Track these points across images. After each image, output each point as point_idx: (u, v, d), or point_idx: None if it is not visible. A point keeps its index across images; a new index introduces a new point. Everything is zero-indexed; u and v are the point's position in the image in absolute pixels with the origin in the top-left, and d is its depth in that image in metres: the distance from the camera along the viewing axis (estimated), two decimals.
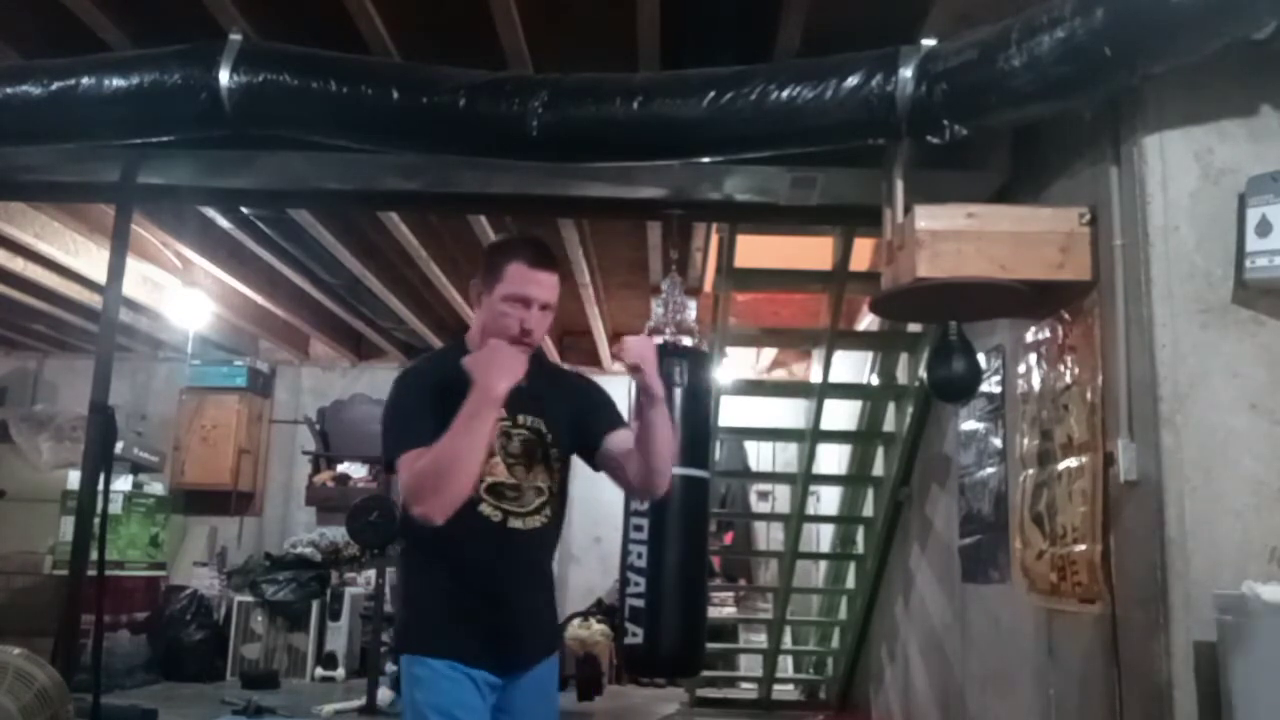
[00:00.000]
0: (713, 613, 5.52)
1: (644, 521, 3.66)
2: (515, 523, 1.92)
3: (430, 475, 1.73)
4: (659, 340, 3.79)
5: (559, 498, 2.02)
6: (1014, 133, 3.27)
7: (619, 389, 2.11)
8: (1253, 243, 2.38)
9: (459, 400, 1.77)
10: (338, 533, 6.95)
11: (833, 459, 6.00)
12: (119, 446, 5.71)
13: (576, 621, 6.57)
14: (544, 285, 1.94)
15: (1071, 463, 2.82)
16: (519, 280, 1.92)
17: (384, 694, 5.57)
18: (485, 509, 1.88)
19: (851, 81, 2.64)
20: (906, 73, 2.60)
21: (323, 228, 4.88)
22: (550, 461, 1.99)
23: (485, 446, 1.78)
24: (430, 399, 1.84)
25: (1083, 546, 2.73)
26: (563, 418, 2.01)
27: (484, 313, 1.96)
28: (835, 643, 5.85)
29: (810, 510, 5.99)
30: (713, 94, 2.73)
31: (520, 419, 1.95)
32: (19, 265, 5.73)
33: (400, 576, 2.10)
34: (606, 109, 2.80)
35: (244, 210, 4.76)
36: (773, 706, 5.84)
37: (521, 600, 1.95)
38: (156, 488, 7.19)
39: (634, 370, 1.84)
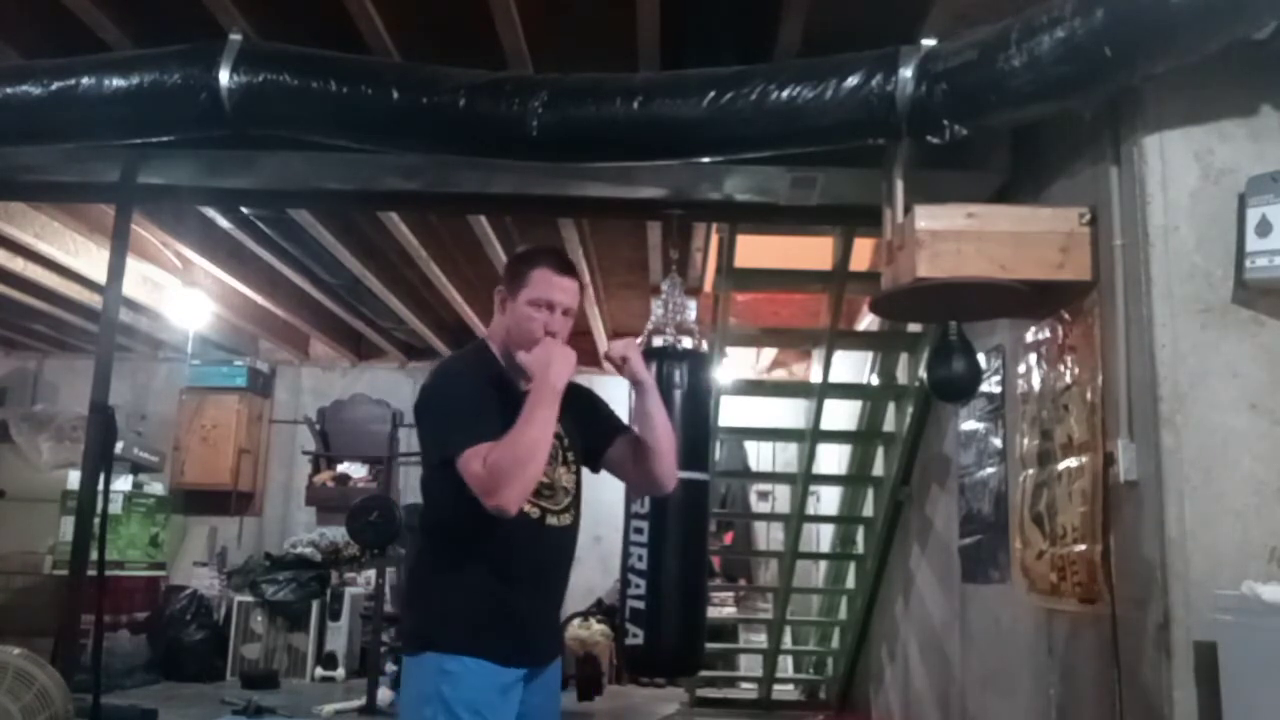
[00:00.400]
0: (713, 613, 5.52)
1: (644, 525, 3.66)
2: (551, 520, 1.98)
3: (507, 466, 1.79)
4: (659, 341, 3.79)
5: (579, 498, 2.08)
6: (1014, 133, 3.27)
7: (619, 391, 2.15)
8: (1253, 243, 2.38)
9: (505, 397, 1.92)
10: (338, 533, 6.95)
11: (833, 459, 6.00)
12: (119, 446, 5.71)
13: (576, 621, 6.56)
14: (567, 290, 2.03)
15: (1071, 463, 2.82)
16: (543, 285, 2.01)
17: (384, 694, 5.57)
18: (526, 505, 1.92)
19: (851, 81, 2.64)
20: (906, 73, 2.59)
21: (323, 228, 4.88)
22: (570, 463, 2.07)
23: (551, 438, 1.89)
24: (484, 397, 1.93)
25: (1083, 546, 2.73)
26: (574, 422, 2.07)
27: (508, 317, 2.05)
28: (835, 643, 5.85)
29: (810, 510, 5.99)
30: (713, 94, 2.73)
31: None
32: (19, 265, 5.73)
33: (420, 574, 2.10)
34: (606, 109, 2.80)
35: (244, 210, 4.77)
36: (773, 706, 5.84)
37: (546, 598, 2.04)
38: (156, 488, 7.19)
39: (622, 363, 2.01)
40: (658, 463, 2.06)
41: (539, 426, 1.84)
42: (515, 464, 1.79)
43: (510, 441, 1.81)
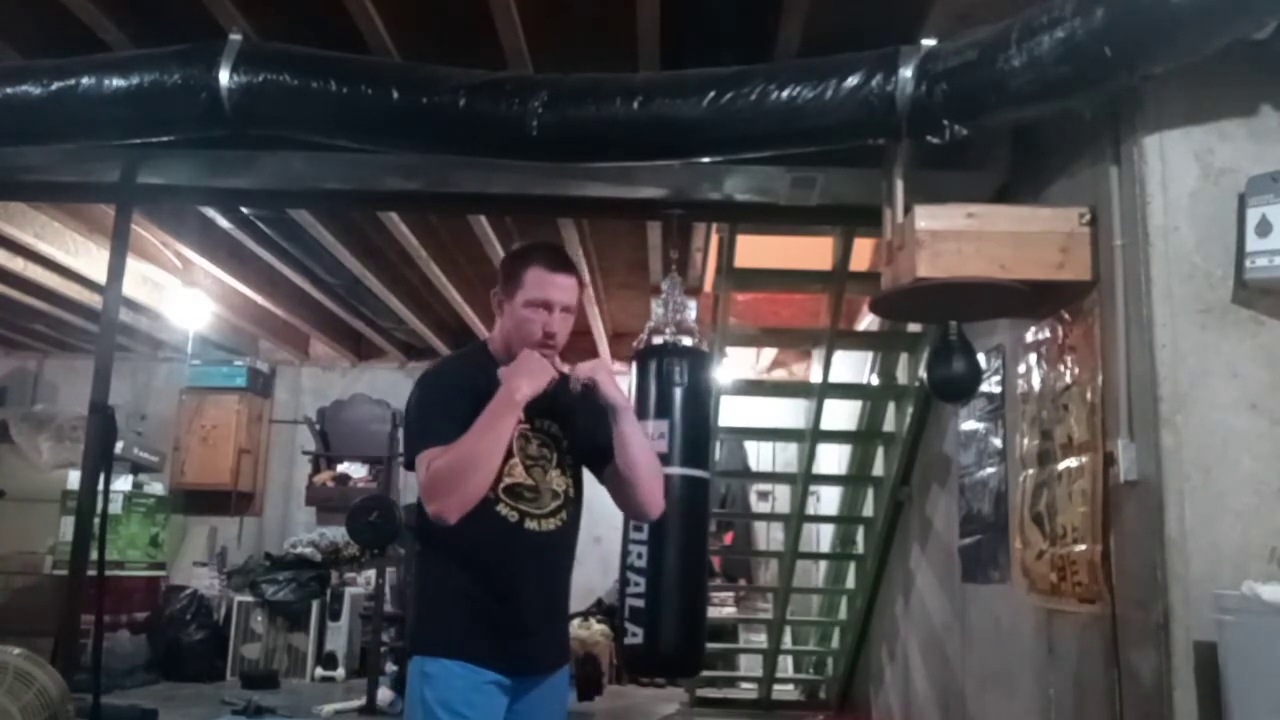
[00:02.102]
0: (713, 613, 5.52)
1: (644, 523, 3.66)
2: (531, 524, 1.94)
3: (447, 474, 1.77)
4: (659, 341, 3.79)
5: (575, 502, 2.04)
6: (1014, 133, 3.27)
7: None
8: (1253, 243, 2.38)
9: (483, 403, 1.83)
10: (338, 533, 6.95)
11: (833, 459, 6.00)
12: (119, 446, 5.71)
13: (576, 621, 6.56)
14: (563, 288, 1.98)
15: (1071, 463, 2.82)
16: (539, 285, 1.96)
17: (384, 694, 5.57)
18: (502, 509, 1.90)
19: (851, 81, 2.64)
20: (906, 73, 2.59)
21: (323, 228, 4.88)
22: (566, 466, 2.02)
23: (503, 449, 1.83)
24: (454, 400, 1.89)
25: (1083, 546, 2.73)
26: (578, 427, 2.04)
27: (506, 320, 2.00)
28: (835, 643, 5.85)
29: (810, 510, 5.99)
30: (713, 94, 2.73)
31: (539, 423, 1.99)
32: (19, 265, 5.74)
33: (414, 578, 2.11)
34: (606, 109, 2.80)
35: (244, 210, 4.77)
36: (773, 706, 5.84)
37: (535, 601, 1.95)
38: (156, 488, 7.19)
39: (590, 388, 1.91)
40: (635, 492, 1.98)
41: (488, 438, 1.79)
42: (455, 473, 1.76)
43: (455, 450, 1.77)
